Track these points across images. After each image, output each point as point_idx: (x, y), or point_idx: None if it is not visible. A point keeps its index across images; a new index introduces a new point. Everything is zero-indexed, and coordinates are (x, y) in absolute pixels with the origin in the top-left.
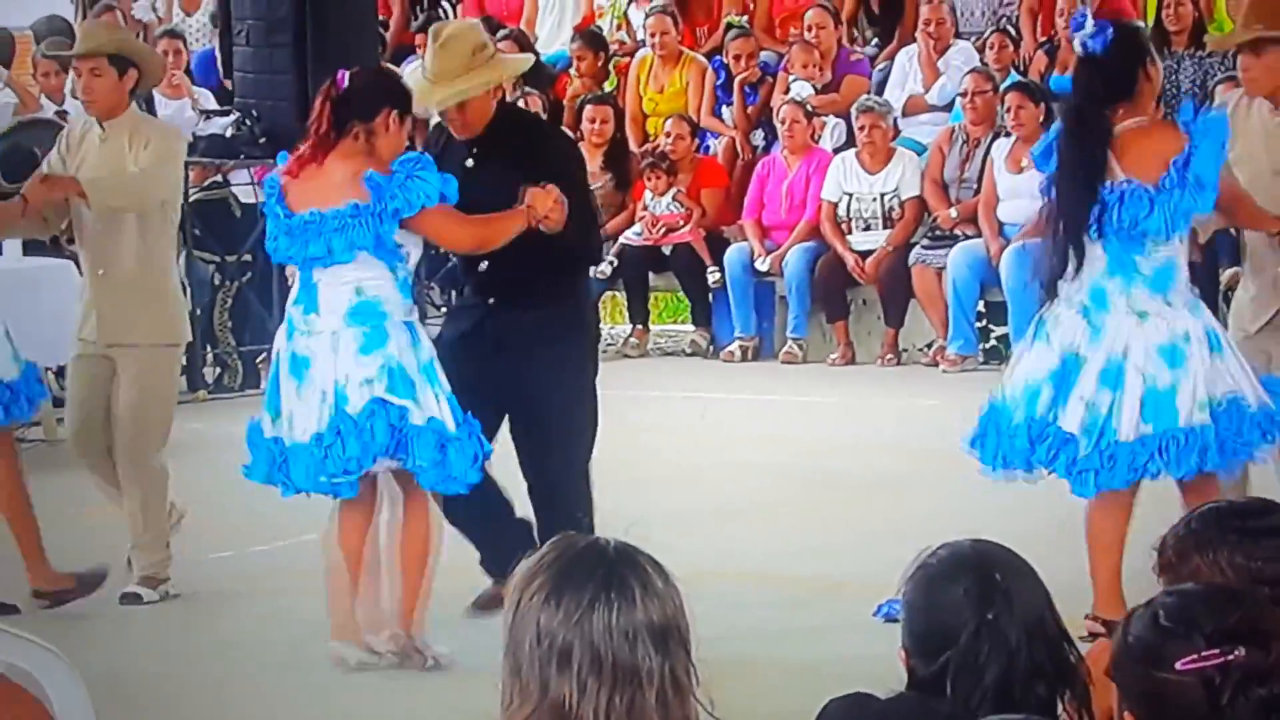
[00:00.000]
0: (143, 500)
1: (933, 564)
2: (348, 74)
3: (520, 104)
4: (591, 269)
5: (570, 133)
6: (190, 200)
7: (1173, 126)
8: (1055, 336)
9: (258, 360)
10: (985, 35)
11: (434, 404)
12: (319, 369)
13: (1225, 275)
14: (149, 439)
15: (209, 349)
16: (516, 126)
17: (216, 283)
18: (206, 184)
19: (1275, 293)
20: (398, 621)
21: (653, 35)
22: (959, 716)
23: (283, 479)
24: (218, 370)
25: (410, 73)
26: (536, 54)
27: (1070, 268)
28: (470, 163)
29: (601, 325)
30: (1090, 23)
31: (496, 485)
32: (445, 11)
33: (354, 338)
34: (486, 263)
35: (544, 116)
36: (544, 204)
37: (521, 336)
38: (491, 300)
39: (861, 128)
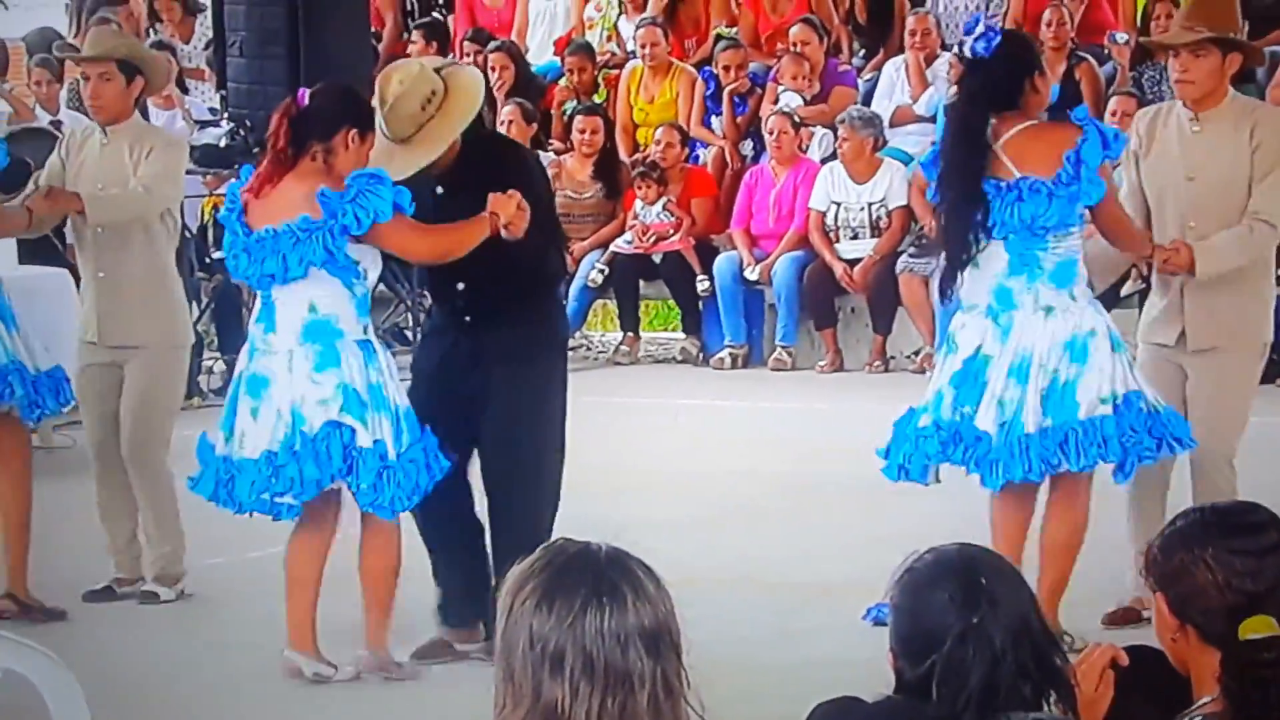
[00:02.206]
0: (152, 501)
1: (919, 568)
2: (308, 92)
3: (507, 113)
4: (556, 284)
5: (560, 143)
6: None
7: (1063, 123)
8: (960, 342)
9: None
10: None
11: (379, 427)
12: (277, 389)
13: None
14: (153, 440)
15: (220, 355)
16: (483, 150)
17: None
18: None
19: (1181, 306)
20: (371, 641)
21: (643, 46)
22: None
23: (226, 497)
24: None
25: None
26: (527, 65)
27: (962, 271)
28: (440, 190)
29: (592, 333)
30: (980, 28)
31: (479, 528)
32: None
33: (307, 356)
34: (463, 284)
35: (529, 128)
36: (507, 210)
37: (498, 353)
38: (468, 319)
39: (839, 140)
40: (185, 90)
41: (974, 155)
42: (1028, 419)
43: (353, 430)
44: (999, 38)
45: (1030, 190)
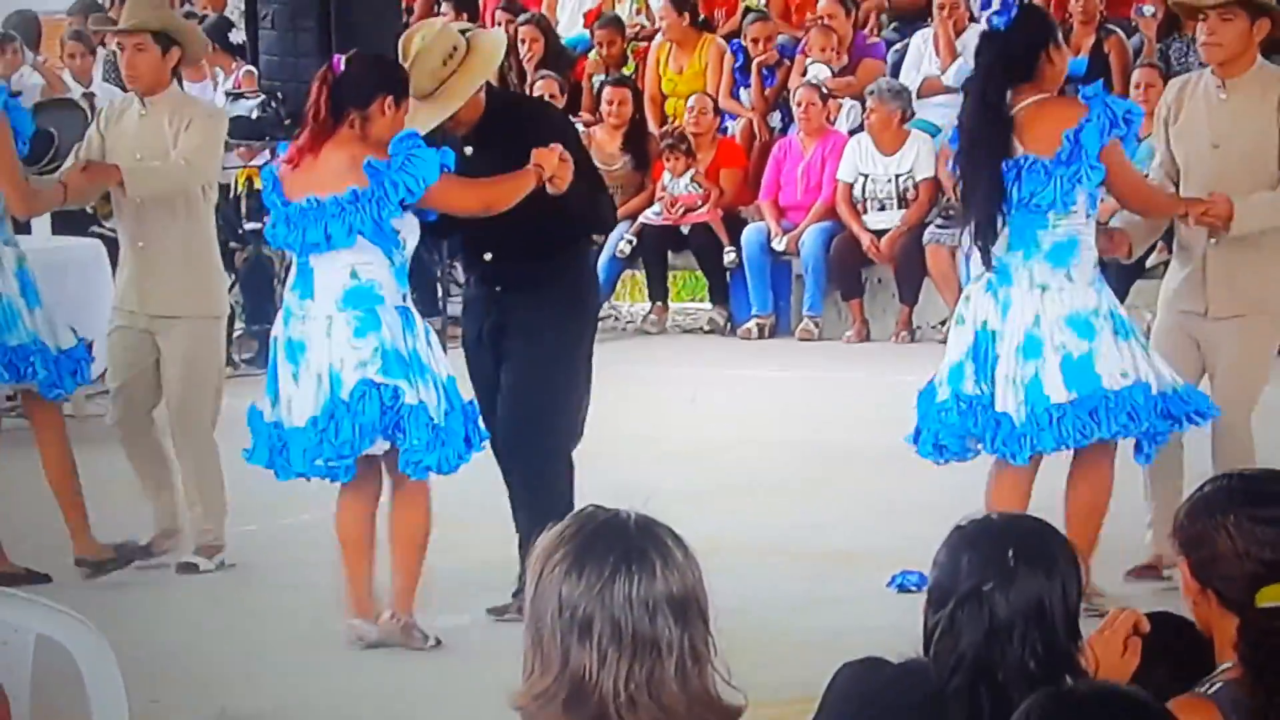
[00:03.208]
0: (196, 472)
1: (966, 527)
2: (343, 59)
3: (538, 86)
4: (600, 235)
5: (589, 115)
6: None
7: (1071, 100)
8: (968, 314)
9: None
10: None
11: (421, 390)
12: (314, 353)
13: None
14: (198, 411)
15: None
16: (509, 109)
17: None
18: (255, 163)
19: (1203, 275)
20: (396, 603)
21: (662, 20)
22: (939, 676)
23: (282, 463)
24: (256, 345)
25: None
26: (557, 38)
27: (993, 244)
28: (469, 150)
29: (620, 303)
30: (997, 2)
31: None
32: None
33: (347, 321)
34: (491, 255)
35: (560, 99)
36: (550, 162)
37: (519, 320)
38: (499, 288)
39: (867, 111)
40: None
41: (995, 129)
42: (1051, 391)
43: (395, 389)
44: (1017, 10)
45: (1030, 170)
